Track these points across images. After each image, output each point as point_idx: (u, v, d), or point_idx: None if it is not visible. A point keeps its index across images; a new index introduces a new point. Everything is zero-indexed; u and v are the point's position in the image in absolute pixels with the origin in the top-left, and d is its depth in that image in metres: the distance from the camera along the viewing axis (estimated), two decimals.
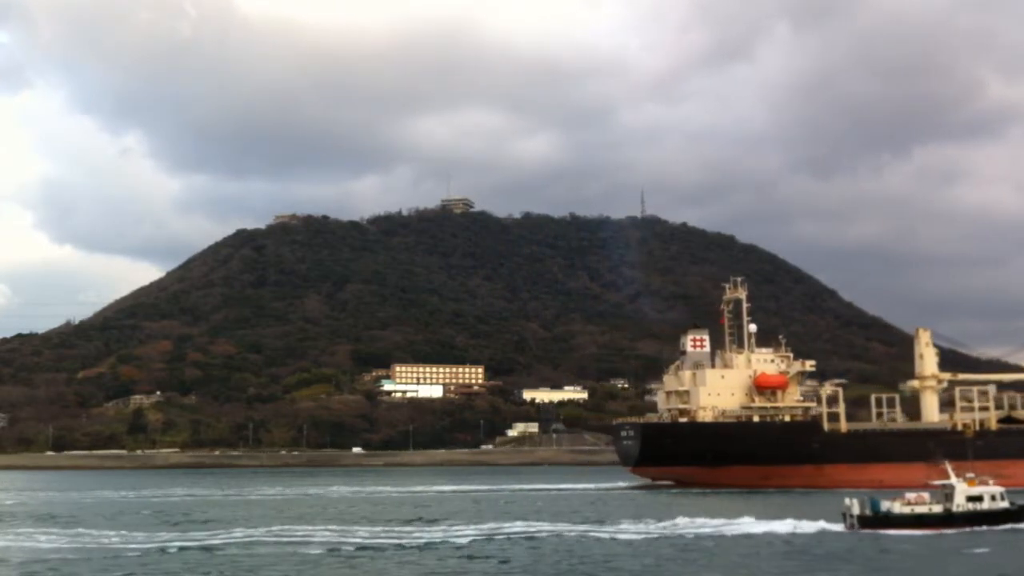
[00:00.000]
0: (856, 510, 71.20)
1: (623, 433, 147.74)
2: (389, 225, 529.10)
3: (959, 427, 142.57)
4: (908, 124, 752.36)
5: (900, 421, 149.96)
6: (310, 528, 74.27)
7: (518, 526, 74.16)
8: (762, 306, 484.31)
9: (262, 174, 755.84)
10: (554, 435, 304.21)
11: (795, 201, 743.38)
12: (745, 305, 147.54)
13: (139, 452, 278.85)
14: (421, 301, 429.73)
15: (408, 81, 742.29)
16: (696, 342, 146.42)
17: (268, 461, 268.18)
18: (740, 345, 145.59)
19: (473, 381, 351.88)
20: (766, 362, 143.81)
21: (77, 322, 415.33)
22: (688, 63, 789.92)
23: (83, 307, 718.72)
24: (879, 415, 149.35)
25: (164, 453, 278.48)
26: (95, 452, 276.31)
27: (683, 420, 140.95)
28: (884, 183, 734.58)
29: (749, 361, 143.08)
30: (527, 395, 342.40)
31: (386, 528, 74.86)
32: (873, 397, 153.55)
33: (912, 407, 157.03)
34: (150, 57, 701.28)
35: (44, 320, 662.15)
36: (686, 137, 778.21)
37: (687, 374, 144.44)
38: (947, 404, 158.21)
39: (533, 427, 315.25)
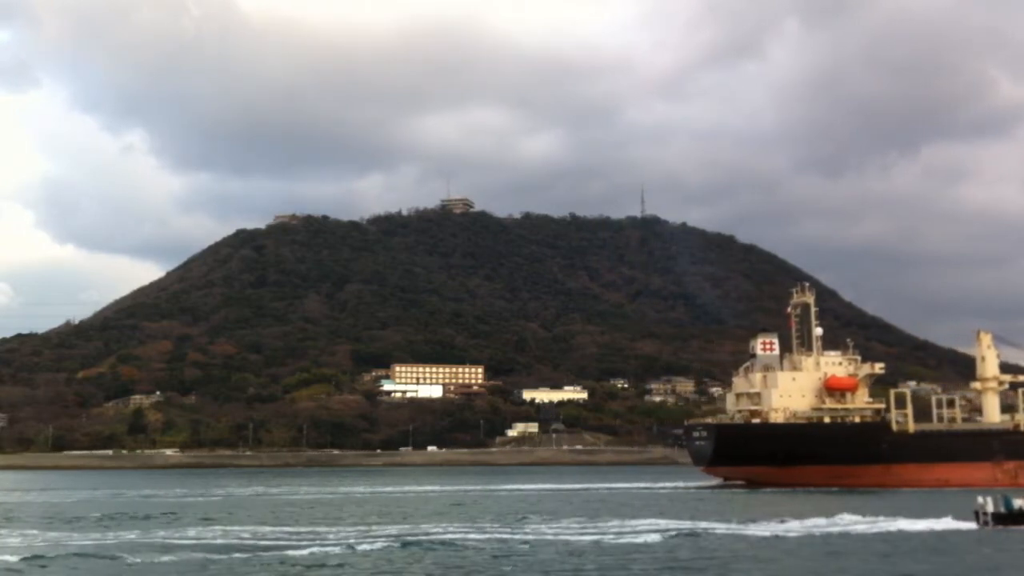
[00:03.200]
0: (991, 508, 72.87)
1: (695, 434, 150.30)
2: (389, 225, 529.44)
3: (1022, 428, 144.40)
4: (917, 123, 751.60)
5: (959, 422, 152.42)
6: (531, 526, 72.84)
7: (687, 524, 72.48)
8: (762, 306, 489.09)
9: (266, 172, 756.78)
10: (554, 435, 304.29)
11: (802, 200, 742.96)
12: (813, 309, 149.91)
13: (139, 452, 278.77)
14: (421, 301, 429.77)
15: (413, 79, 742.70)
16: (766, 345, 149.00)
17: (268, 461, 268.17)
18: (808, 348, 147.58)
19: (473, 381, 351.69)
20: (835, 364, 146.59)
21: (77, 322, 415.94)
22: (696, 61, 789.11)
23: (85, 307, 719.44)
24: (939, 416, 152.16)
25: (164, 453, 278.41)
26: (95, 452, 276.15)
27: (756, 421, 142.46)
28: (891, 182, 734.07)
29: (818, 364, 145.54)
30: (527, 395, 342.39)
31: (589, 525, 73.54)
32: (934, 398, 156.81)
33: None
34: (152, 55, 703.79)
35: (46, 320, 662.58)
36: (693, 136, 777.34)
37: (758, 376, 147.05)
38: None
39: (533, 427, 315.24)
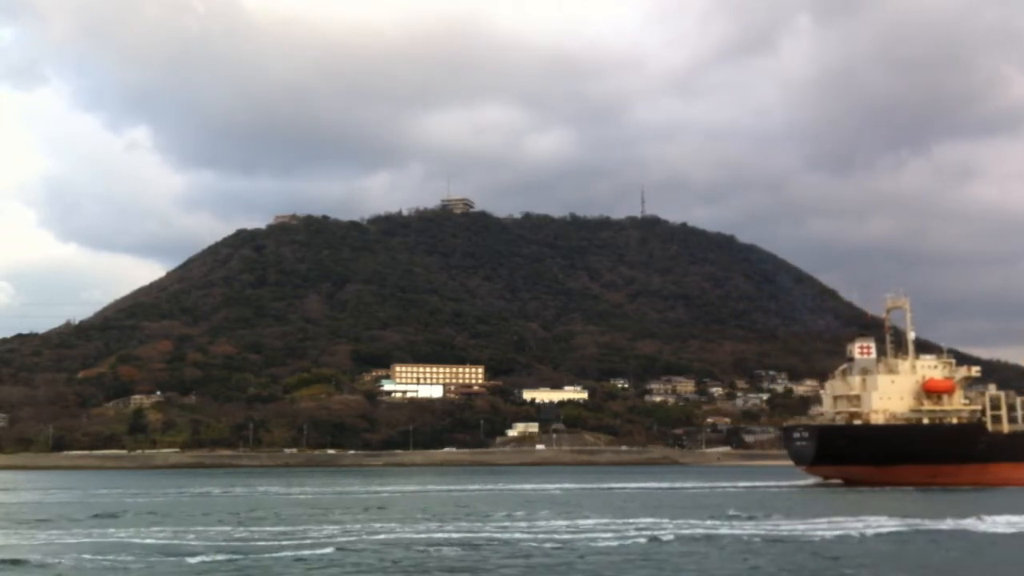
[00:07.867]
0: None
1: (796, 435, 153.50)
2: (389, 225, 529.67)
3: None
4: (928, 120, 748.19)
5: None
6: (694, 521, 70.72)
7: (880, 521, 70.48)
8: (762, 306, 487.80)
9: (271, 171, 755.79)
10: (554, 435, 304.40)
11: (810, 199, 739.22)
12: (908, 315, 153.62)
13: (139, 452, 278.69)
14: (421, 301, 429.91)
15: (421, 77, 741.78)
16: (863, 349, 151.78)
17: (268, 461, 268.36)
18: (904, 352, 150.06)
19: (473, 381, 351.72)
20: (931, 368, 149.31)
21: (77, 322, 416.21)
22: (707, 57, 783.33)
23: (87, 306, 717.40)
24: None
25: (164, 453, 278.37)
26: (95, 452, 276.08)
27: (856, 423, 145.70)
28: (901, 180, 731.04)
29: (914, 367, 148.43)
30: (527, 395, 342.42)
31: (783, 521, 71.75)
32: (1019, 400, 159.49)
33: None
34: (157, 53, 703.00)
35: (47, 320, 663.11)
36: (702, 134, 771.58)
37: (856, 379, 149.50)
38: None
39: (533, 427, 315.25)
